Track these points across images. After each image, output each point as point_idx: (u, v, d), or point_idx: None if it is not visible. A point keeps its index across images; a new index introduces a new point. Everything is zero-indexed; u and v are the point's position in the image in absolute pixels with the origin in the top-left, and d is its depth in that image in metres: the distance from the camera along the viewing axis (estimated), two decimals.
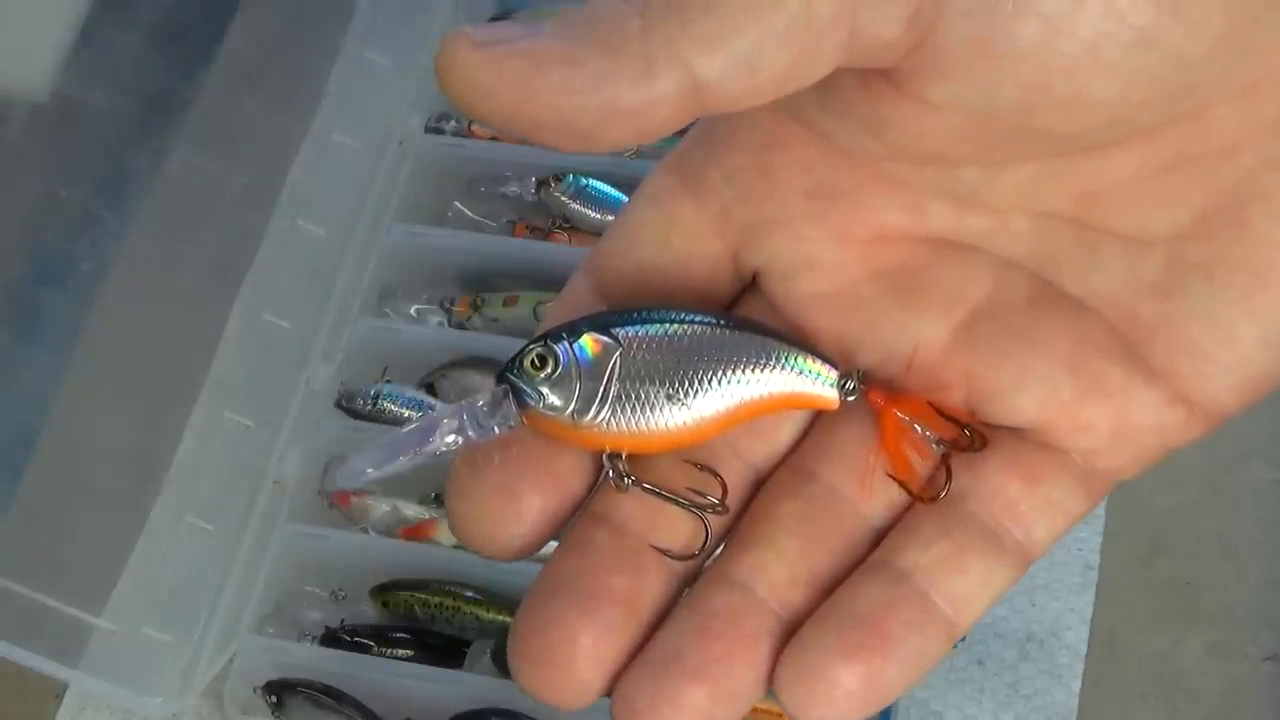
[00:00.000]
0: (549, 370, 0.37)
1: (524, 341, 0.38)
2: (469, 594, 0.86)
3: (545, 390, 0.37)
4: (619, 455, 0.37)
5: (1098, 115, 0.35)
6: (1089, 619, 0.85)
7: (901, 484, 0.38)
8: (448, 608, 0.86)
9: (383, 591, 0.87)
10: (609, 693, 0.37)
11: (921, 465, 0.38)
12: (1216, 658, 0.84)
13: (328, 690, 0.82)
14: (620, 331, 0.37)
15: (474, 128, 0.99)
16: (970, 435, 0.38)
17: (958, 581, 0.37)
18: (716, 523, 0.38)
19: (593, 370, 0.37)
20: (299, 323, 0.92)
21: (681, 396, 0.37)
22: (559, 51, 0.32)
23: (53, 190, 0.88)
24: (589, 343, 0.37)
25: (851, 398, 0.38)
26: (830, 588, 0.37)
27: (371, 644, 0.86)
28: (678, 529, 0.38)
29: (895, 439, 0.38)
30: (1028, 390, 0.38)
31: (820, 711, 0.36)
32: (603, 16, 0.33)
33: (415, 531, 0.89)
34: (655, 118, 0.33)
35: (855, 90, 0.36)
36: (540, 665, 0.37)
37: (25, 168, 0.87)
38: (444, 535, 0.88)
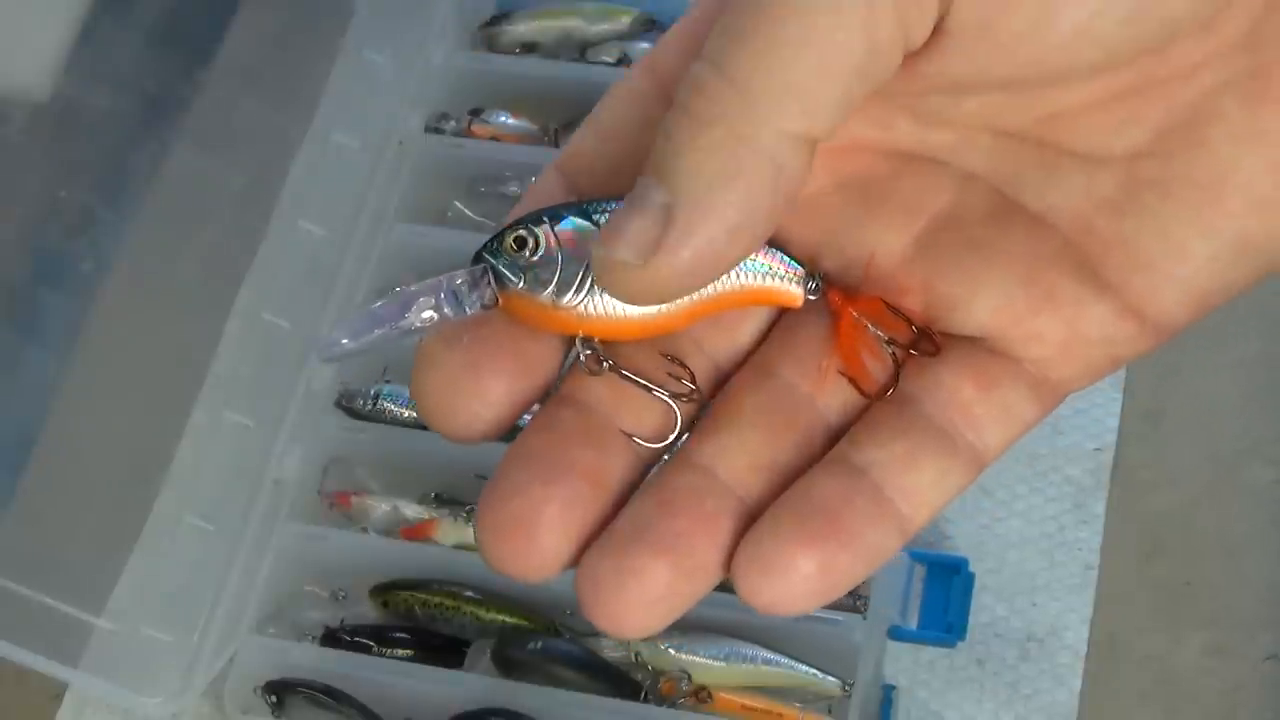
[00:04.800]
0: (529, 252, 0.38)
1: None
2: (469, 594, 0.86)
3: (525, 271, 0.38)
4: (593, 339, 0.38)
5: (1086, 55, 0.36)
6: (1089, 619, 0.85)
7: (852, 380, 0.39)
8: (448, 608, 0.86)
9: (383, 591, 0.87)
10: (573, 566, 0.37)
11: (876, 367, 0.39)
12: (1216, 658, 0.84)
13: (328, 690, 0.82)
14: (600, 218, 0.38)
15: (474, 127, 0.99)
16: (922, 335, 0.39)
17: (912, 479, 0.38)
18: (684, 411, 0.39)
19: (573, 253, 0.38)
20: (299, 323, 0.92)
21: None
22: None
23: (53, 190, 0.88)
24: (570, 227, 0.38)
25: (813, 296, 0.39)
26: (788, 479, 0.38)
27: (371, 644, 0.86)
28: (643, 416, 0.38)
29: (850, 337, 0.39)
30: (982, 298, 0.39)
31: (775, 595, 0.36)
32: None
33: (415, 531, 0.89)
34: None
35: None
36: (505, 535, 0.36)
37: (25, 168, 0.87)
38: (444, 535, 0.88)
